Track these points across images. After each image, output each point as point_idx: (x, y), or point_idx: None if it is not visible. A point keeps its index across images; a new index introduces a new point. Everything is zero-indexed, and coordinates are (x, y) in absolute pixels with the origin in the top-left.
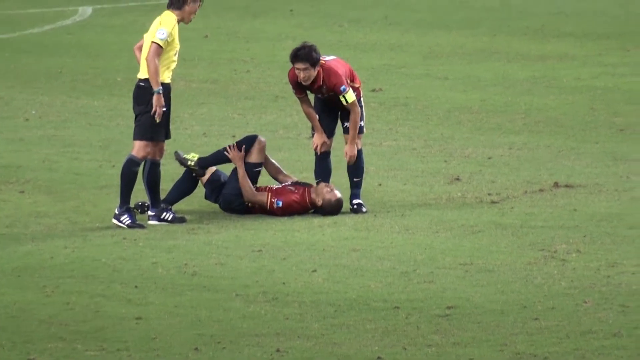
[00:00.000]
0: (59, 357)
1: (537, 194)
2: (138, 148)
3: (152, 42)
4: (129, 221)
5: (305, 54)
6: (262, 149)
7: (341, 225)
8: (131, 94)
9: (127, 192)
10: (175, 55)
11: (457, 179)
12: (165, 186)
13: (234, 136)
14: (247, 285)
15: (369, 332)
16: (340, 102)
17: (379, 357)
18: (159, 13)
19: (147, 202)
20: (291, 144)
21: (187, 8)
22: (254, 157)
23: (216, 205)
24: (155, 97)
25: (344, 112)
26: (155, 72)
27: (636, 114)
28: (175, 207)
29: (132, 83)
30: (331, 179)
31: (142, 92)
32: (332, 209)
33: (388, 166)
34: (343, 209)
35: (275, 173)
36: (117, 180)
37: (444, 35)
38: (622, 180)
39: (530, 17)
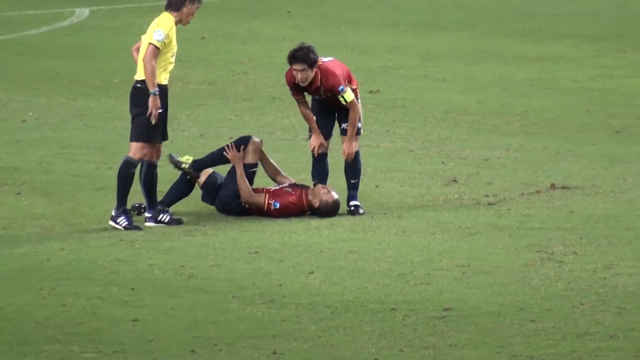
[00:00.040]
0: None
1: (533, 195)
2: (135, 150)
3: (149, 43)
4: (126, 223)
5: (302, 55)
6: (257, 150)
7: (338, 226)
8: (128, 96)
9: (123, 194)
10: (172, 56)
11: (454, 181)
12: (162, 188)
13: (231, 137)
14: (244, 287)
15: (365, 334)
16: (338, 103)
17: (375, 359)
18: (157, 14)
19: (144, 203)
20: (288, 145)
21: (185, 10)
22: (249, 158)
23: (213, 207)
24: (151, 99)
25: (341, 114)
26: (151, 73)
27: (633, 116)
28: (172, 208)
29: (129, 84)
30: (328, 181)
31: (139, 94)
32: (329, 210)
33: (385, 168)
34: (340, 211)
35: (273, 174)
36: (114, 182)
37: (441, 37)
38: (618, 181)
39: (527, 18)
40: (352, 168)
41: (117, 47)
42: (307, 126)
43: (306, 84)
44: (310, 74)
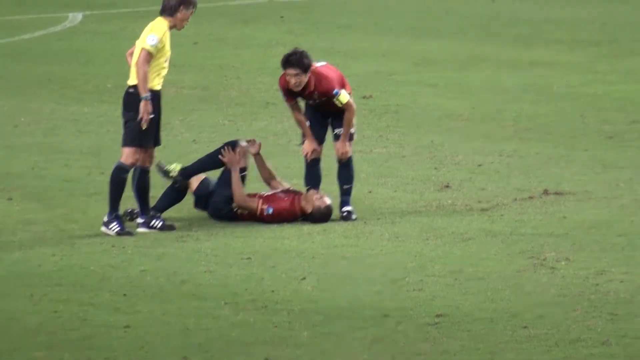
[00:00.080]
0: None
1: (526, 201)
2: (127, 155)
3: (142, 48)
4: (118, 229)
5: (296, 60)
6: (244, 154)
7: (331, 232)
8: (121, 101)
9: (116, 199)
10: (165, 62)
11: (447, 187)
12: (155, 193)
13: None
14: (236, 293)
15: (358, 341)
16: (331, 107)
17: None
18: (150, 19)
19: (137, 209)
20: (281, 150)
21: (179, 15)
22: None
23: (205, 213)
24: (142, 104)
25: (335, 119)
26: (144, 78)
27: (625, 122)
28: (164, 214)
29: (122, 90)
30: (321, 186)
31: (131, 99)
32: (322, 216)
33: (378, 173)
34: (333, 216)
35: (268, 178)
36: (107, 188)
37: (434, 42)
38: (611, 187)
39: (520, 24)
40: (345, 173)
41: (110, 52)
42: (300, 131)
43: (300, 88)
44: (304, 78)
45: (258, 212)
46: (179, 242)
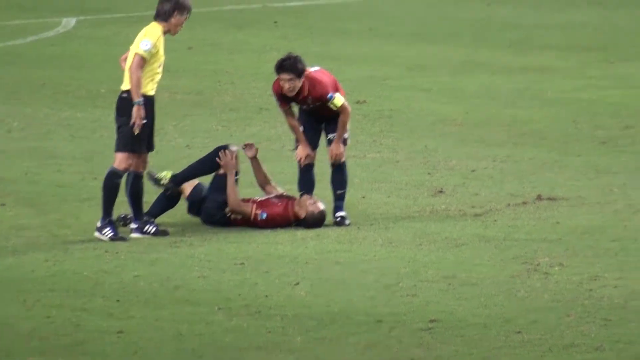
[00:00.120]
0: None
1: (520, 206)
2: (120, 160)
3: (136, 53)
4: (111, 234)
5: (290, 65)
6: (235, 158)
7: (324, 238)
8: (114, 106)
9: (109, 205)
10: (159, 67)
11: (441, 192)
12: (148, 199)
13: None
14: (229, 299)
15: (351, 346)
16: (325, 113)
17: None
18: (143, 25)
19: (130, 214)
20: (275, 155)
21: (173, 20)
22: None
23: (198, 219)
24: (135, 109)
25: (328, 125)
26: (137, 83)
27: (619, 127)
28: (158, 220)
29: (115, 95)
30: (314, 192)
31: (124, 104)
32: (315, 221)
33: (372, 178)
34: (326, 222)
35: (262, 182)
36: (100, 193)
37: (428, 47)
38: (604, 193)
39: (514, 29)
40: (339, 179)
41: (103, 57)
42: (293, 137)
43: (294, 93)
44: (298, 83)
45: (252, 217)
46: (173, 247)
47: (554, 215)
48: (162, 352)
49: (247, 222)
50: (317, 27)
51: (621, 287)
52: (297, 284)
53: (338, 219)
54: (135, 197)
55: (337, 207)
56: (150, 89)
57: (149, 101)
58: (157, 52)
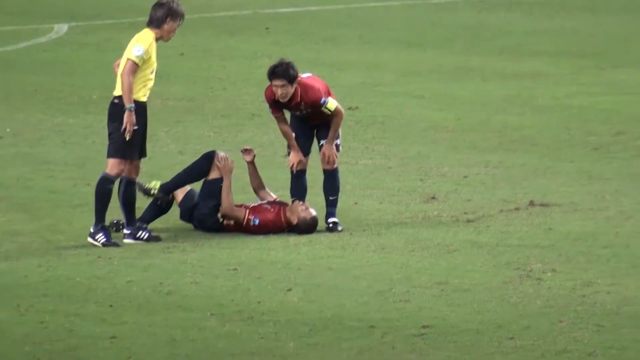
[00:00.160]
0: None
1: (512, 212)
2: (111, 166)
3: (128, 58)
4: (104, 239)
5: (282, 71)
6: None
7: (317, 243)
8: (106, 112)
9: (101, 210)
10: (151, 73)
11: (433, 198)
12: (141, 205)
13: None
14: (222, 304)
15: (344, 352)
16: (317, 119)
17: None
18: (135, 31)
19: (123, 220)
20: (267, 162)
21: (166, 27)
22: (217, 173)
23: (191, 225)
24: (126, 114)
25: (320, 131)
26: (128, 89)
27: (611, 133)
28: (150, 225)
29: (107, 101)
30: (307, 198)
31: (116, 109)
32: (308, 227)
33: (364, 185)
34: (319, 228)
35: (257, 187)
36: (93, 199)
37: (419, 54)
38: (597, 199)
39: (505, 36)
40: (331, 185)
41: (95, 63)
42: (285, 143)
43: (286, 99)
44: (290, 89)
45: (244, 222)
46: (165, 253)
47: (547, 222)
48: (155, 358)
49: (240, 228)
50: (309, 34)
51: (614, 293)
52: (290, 289)
53: (330, 225)
54: (128, 203)
55: (330, 213)
56: (142, 95)
57: (141, 107)
58: (149, 58)
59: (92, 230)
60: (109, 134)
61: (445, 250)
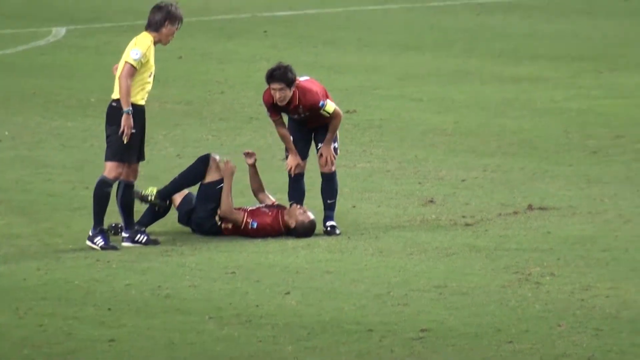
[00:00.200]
0: None
1: (511, 216)
2: (109, 169)
3: (126, 62)
4: (102, 243)
5: (281, 74)
6: (218, 166)
7: (315, 247)
8: (104, 115)
9: (100, 214)
10: (149, 76)
11: (431, 201)
12: (140, 208)
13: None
14: (220, 308)
15: (342, 355)
16: (315, 122)
17: None
18: (134, 34)
19: (121, 223)
20: (265, 165)
21: (164, 30)
22: (213, 176)
23: (189, 228)
24: (124, 117)
25: (318, 135)
26: (126, 92)
27: (609, 137)
28: (148, 229)
29: (106, 104)
30: (305, 201)
31: (114, 112)
32: (305, 230)
33: (362, 188)
34: (316, 231)
35: (256, 190)
36: (91, 202)
37: (418, 57)
38: (595, 202)
39: (504, 39)
40: (329, 188)
41: (94, 67)
42: (283, 146)
43: (284, 103)
44: (289, 93)
45: (243, 225)
46: (164, 256)
47: (545, 225)
48: None
49: (238, 231)
50: (307, 37)
51: (613, 297)
52: (288, 293)
53: (328, 229)
54: (126, 206)
55: (328, 217)
56: (140, 99)
57: (139, 111)
58: (148, 61)
59: (90, 233)
60: (107, 137)
61: (443, 254)
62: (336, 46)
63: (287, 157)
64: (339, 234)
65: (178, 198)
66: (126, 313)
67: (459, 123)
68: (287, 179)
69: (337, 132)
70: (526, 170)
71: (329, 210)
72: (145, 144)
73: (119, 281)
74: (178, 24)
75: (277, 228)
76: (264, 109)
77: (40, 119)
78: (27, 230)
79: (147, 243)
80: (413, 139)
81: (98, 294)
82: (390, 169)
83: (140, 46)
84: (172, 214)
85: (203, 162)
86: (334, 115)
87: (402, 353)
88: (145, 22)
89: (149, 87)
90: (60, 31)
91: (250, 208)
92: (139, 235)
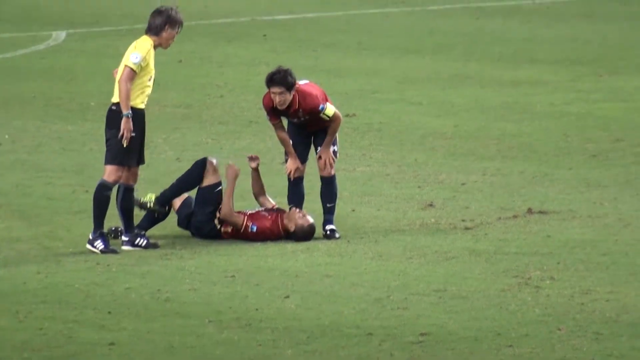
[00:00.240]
0: None
1: (510, 220)
2: (109, 172)
3: (125, 65)
4: (102, 246)
5: (280, 78)
6: (215, 169)
7: (314, 251)
8: (104, 119)
9: (100, 217)
10: (149, 80)
11: (431, 205)
12: (139, 212)
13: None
14: (220, 311)
15: (341, 359)
16: (315, 126)
17: None
18: (133, 38)
19: (121, 227)
20: (265, 169)
21: (164, 34)
22: (211, 179)
23: (189, 232)
24: (123, 121)
25: (318, 138)
26: (126, 95)
27: (609, 140)
28: (148, 232)
29: (105, 108)
30: (304, 205)
31: (114, 116)
32: (305, 234)
33: (361, 192)
34: (316, 235)
35: (257, 193)
36: (91, 205)
37: (417, 61)
38: (595, 206)
39: (503, 42)
40: (328, 192)
41: (93, 70)
42: (283, 150)
43: (284, 107)
44: (289, 96)
45: (242, 228)
46: (163, 260)
47: (545, 229)
48: None
49: (238, 234)
50: (307, 40)
51: (613, 301)
52: (288, 296)
53: (328, 232)
54: (126, 210)
55: (327, 221)
56: (140, 102)
57: (139, 114)
58: (147, 65)
59: (90, 237)
60: (107, 141)
61: (443, 258)
62: (336, 50)
63: (286, 160)
64: (339, 237)
65: (177, 202)
66: (126, 316)
67: (458, 127)
68: (286, 183)
69: (337, 135)
70: (526, 173)
71: (328, 213)
72: (145, 148)
73: (118, 285)
74: (178, 28)
75: (276, 232)
76: (264, 113)
77: (40, 123)
78: (27, 233)
79: (146, 247)
80: (413, 142)
81: (98, 297)
82: (389, 173)
83: (140, 50)
84: (172, 218)
85: (200, 166)
86: (334, 119)
87: (402, 357)
88: (144, 26)
89: (148, 90)
90: (60, 35)
91: (250, 212)
92: (138, 239)
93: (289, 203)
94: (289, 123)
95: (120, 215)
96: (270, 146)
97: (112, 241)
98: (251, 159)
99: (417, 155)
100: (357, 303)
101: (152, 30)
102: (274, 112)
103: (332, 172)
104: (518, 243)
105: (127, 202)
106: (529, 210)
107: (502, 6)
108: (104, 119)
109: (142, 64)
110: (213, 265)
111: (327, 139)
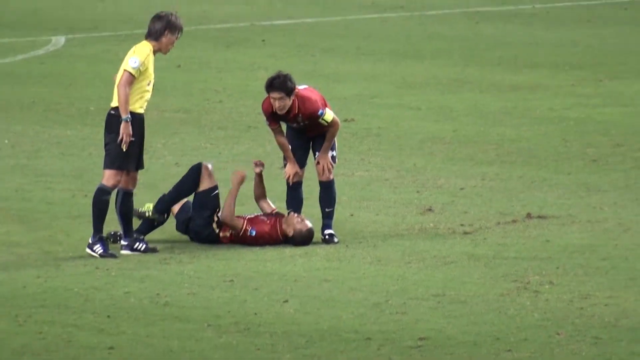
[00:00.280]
0: None
1: (509, 225)
2: (108, 177)
3: (124, 70)
4: (102, 250)
5: (280, 83)
6: (211, 174)
7: (313, 255)
8: (103, 123)
9: (99, 222)
10: (148, 85)
11: (430, 210)
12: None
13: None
14: (218, 316)
15: None
16: (314, 131)
17: None
18: (132, 43)
19: (120, 231)
20: (264, 173)
21: (164, 39)
22: (206, 184)
23: (187, 236)
24: (122, 125)
25: (316, 143)
26: (124, 100)
27: (609, 145)
28: (147, 237)
29: (105, 112)
30: (303, 209)
31: (112, 120)
32: (303, 239)
33: (360, 196)
34: (315, 239)
35: (258, 196)
36: (90, 210)
37: (416, 65)
38: (594, 211)
39: (503, 47)
40: (327, 197)
41: (93, 75)
42: (282, 155)
43: (284, 112)
44: (288, 101)
45: (242, 232)
46: (162, 264)
47: (544, 234)
48: None
49: (236, 238)
50: (306, 45)
51: (612, 306)
52: (286, 301)
53: (326, 237)
54: (125, 214)
55: (326, 225)
56: (139, 107)
57: (138, 119)
58: (146, 70)
59: (90, 241)
60: (106, 145)
61: (441, 262)
62: (335, 55)
63: (285, 165)
64: (337, 242)
65: (176, 206)
66: (125, 321)
67: (457, 131)
68: (285, 188)
69: (335, 140)
70: (525, 178)
71: (327, 218)
72: (144, 153)
73: (118, 289)
74: (178, 33)
75: (275, 236)
76: (263, 118)
77: (39, 128)
78: (27, 238)
79: (145, 251)
80: (411, 147)
81: (97, 301)
82: (388, 178)
83: (139, 54)
84: (171, 222)
85: (195, 172)
86: (332, 124)
87: None
88: (144, 31)
89: (148, 95)
90: (59, 40)
91: (249, 216)
92: (137, 243)
93: (288, 208)
94: (288, 128)
95: (119, 219)
96: (269, 151)
97: (111, 245)
98: (257, 164)
99: (416, 160)
100: (355, 307)
101: (152, 35)
102: (273, 117)
103: (331, 177)
104: (517, 248)
105: (126, 207)
106: (528, 215)
107: (501, 11)
108: (103, 124)
109: (140, 68)
110: (212, 270)
111: (326, 144)
